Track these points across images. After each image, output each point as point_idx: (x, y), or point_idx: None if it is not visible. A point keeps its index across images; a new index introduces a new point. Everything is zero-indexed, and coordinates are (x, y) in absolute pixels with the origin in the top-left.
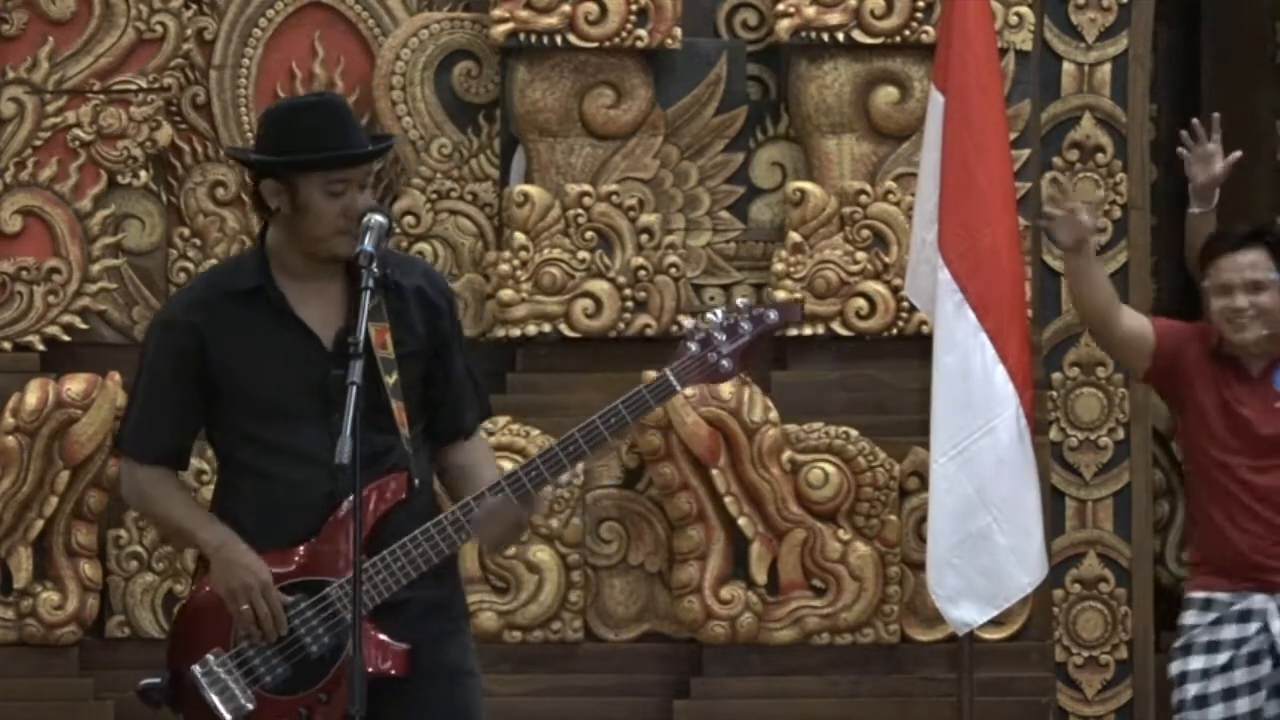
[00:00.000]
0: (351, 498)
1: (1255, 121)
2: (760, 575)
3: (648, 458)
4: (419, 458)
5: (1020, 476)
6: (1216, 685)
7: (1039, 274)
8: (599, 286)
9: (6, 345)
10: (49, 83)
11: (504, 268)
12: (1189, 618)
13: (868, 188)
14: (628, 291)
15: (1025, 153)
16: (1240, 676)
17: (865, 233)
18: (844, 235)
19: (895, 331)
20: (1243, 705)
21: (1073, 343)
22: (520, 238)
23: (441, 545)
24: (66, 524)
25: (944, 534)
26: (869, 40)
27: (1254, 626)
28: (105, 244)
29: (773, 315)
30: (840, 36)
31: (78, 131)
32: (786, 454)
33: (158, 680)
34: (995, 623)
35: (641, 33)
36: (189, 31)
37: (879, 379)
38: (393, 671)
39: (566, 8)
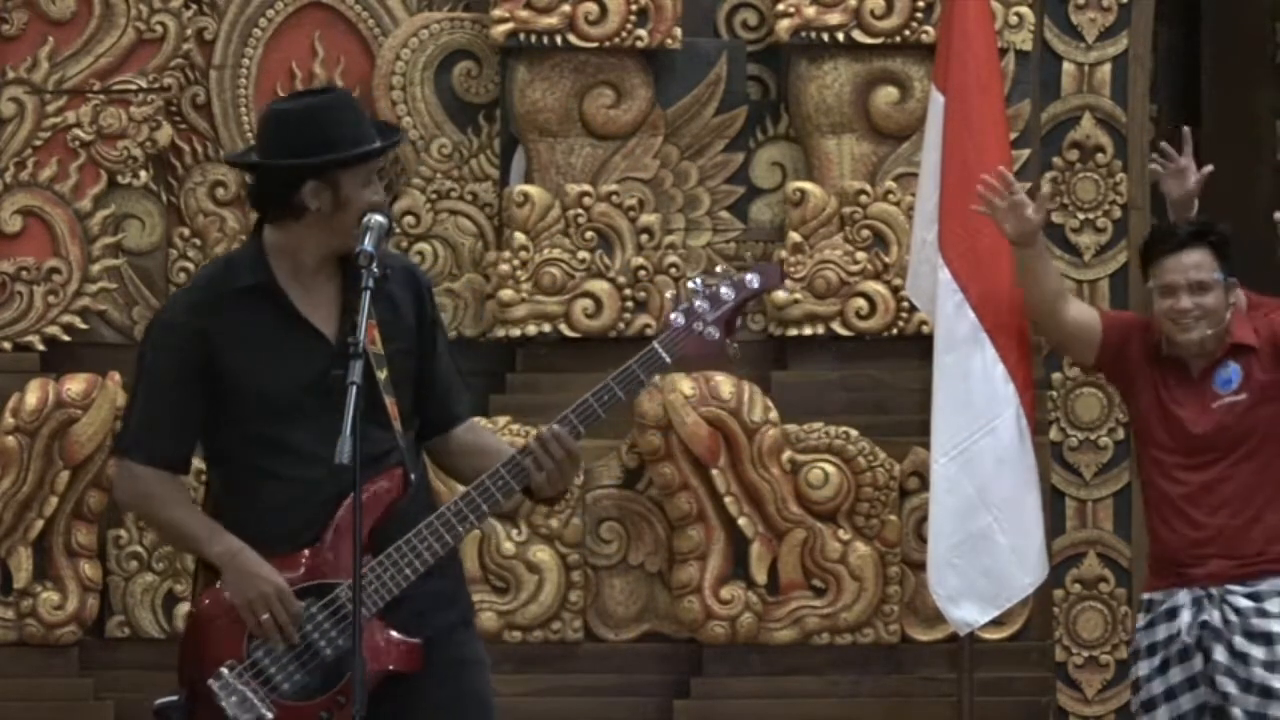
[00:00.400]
0: (351, 497)
1: (1255, 121)
2: (760, 575)
3: (648, 458)
4: (412, 454)
5: (1021, 476)
6: (1158, 688)
7: None
8: (599, 286)
9: (6, 345)
10: (49, 83)
11: (504, 268)
12: (1139, 620)
13: (868, 188)
14: (628, 291)
15: (1025, 153)
16: (1176, 675)
17: (865, 233)
18: (844, 235)
19: (895, 331)
20: (1186, 702)
21: None
22: (520, 238)
23: (446, 537)
24: (66, 524)
25: (945, 534)
26: (869, 40)
27: (1178, 624)
28: (105, 244)
29: (753, 279)
30: (840, 36)
31: (78, 131)
32: (786, 454)
33: (175, 698)
34: (995, 623)
35: (641, 33)
36: (189, 31)
37: (879, 379)
38: (406, 667)
39: (566, 8)
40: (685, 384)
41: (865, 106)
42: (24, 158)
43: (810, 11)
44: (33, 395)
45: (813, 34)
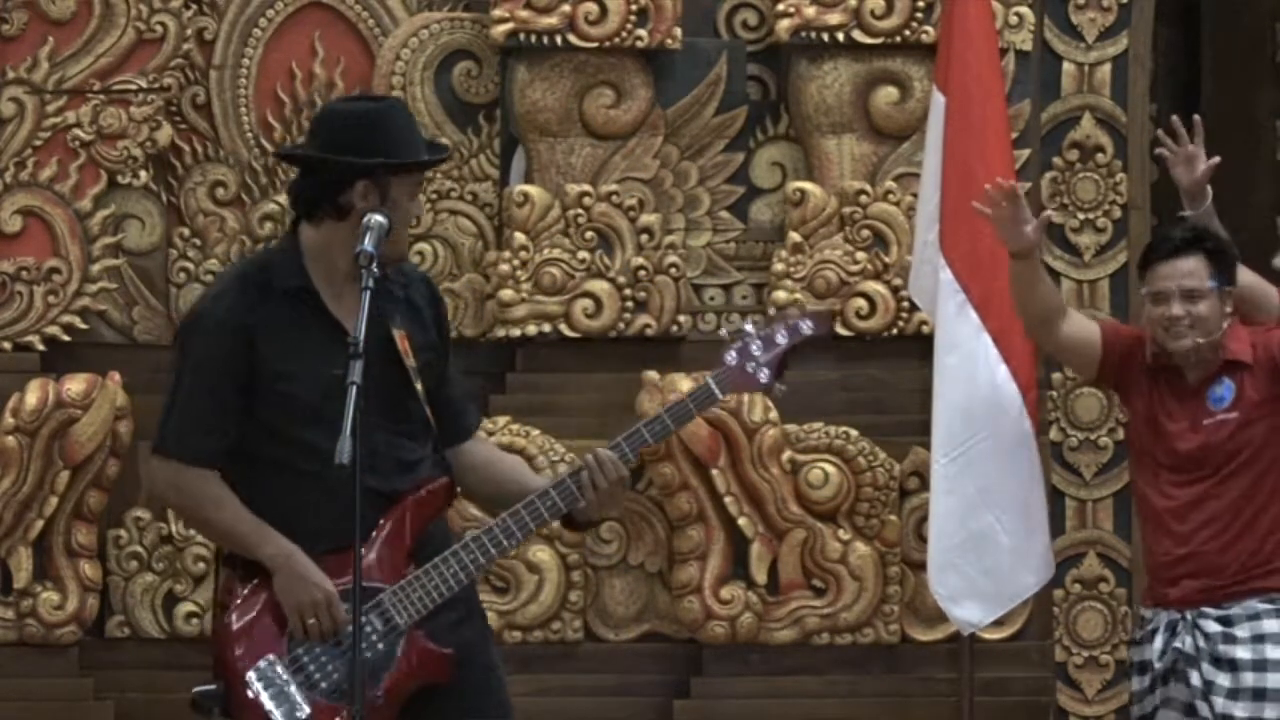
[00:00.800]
0: (400, 501)
1: (1255, 121)
2: (760, 575)
3: (648, 458)
4: (442, 465)
5: (1024, 477)
6: (1148, 706)
7: None
8: (599, 286)
9: (6, 345)
10: (49, 83)
11: (504, 268)
12: (1135, 632)
13: (868, 188)
14: (628, 291)
15: (1025, 153)
16: (1158, 698)
17: (865, 233)
18: (844, 235)
19: (895, 331)
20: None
21: None
22: (520, 238)
23: (492, 551)
24: (66, 524)
25: (946, 534)
26: (869, 40)
27: (1159, 644)
28: (105, 244)
29: (806, 326)
30: (840, 36)
31: (78, 131)
32: (786, 454)
33: (212, 688)
34: (995, 623)
35: (641, 33)
36: (189, 31)
37: (879, 379)
38: (439, 678)
39: (566, 8)
40: (685, 384)
41: (865, 106)
42: (24, 158)
43: (810, 11)
44: (33, 395)
45: (813, 34)
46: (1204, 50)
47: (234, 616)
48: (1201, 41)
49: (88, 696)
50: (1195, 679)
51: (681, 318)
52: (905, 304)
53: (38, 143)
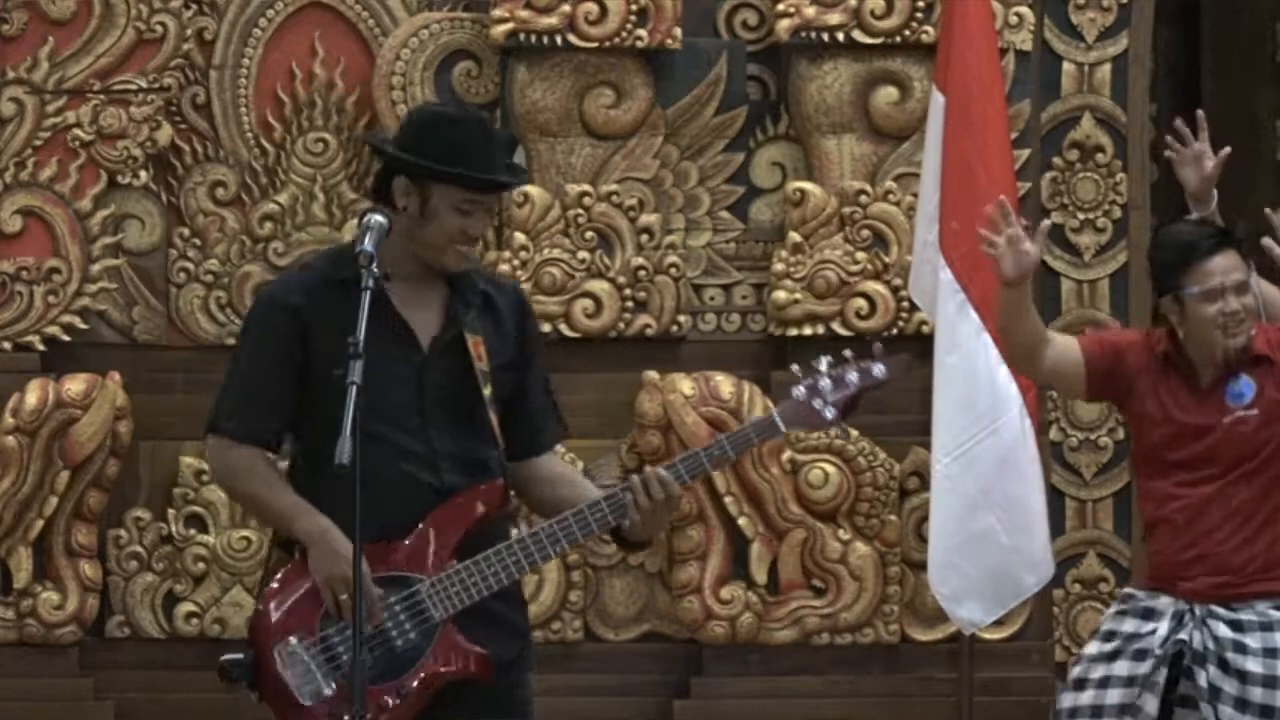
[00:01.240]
0: (455, 499)
1: (1255, 121)
2: (760, 575)
3: (648, 458)
4: (507, 471)
5: (1024, 477)
6: (1097, 671)
7: (1039, 274)
8: (599, 286)
9: (6, 345)
10: (49, 83)
11: (504, 268)
12: (1111, 609)
13: (868, 188)
14: (628, 291)
15: (1025, 153)
16: (1120, 668)
17: (865, 233)
18: (844, 235)
19: (895, 331)
20: (1112, 696)
21: None
22: (520, 238)
23: (536, 556)
24: (66, 524)
25: (946, 534)
26: (869, 40)
27: (1149, 625)
28: (105, 244)
29: (880, 370)
30: (840, 36)
31: (78, 131)
32: (786, 454)
33: (239, 656)
34: (995, 623)
35: (641, 33)
36: (189, 31)
37: None
38: (476, 674)
39: (566, 8)
40: (685, 384)
41: (865, 106)
42: (24, 158)
43: (810, 11)
44: (33, 395)
45: (813, 34)
46: (1204, 50)
47: (272, 591)
48: (1201, 41)
49: (88, 696)
50: (1203, 679)
51: (681, 318)
52: (905, 304)
53: (38, 143)
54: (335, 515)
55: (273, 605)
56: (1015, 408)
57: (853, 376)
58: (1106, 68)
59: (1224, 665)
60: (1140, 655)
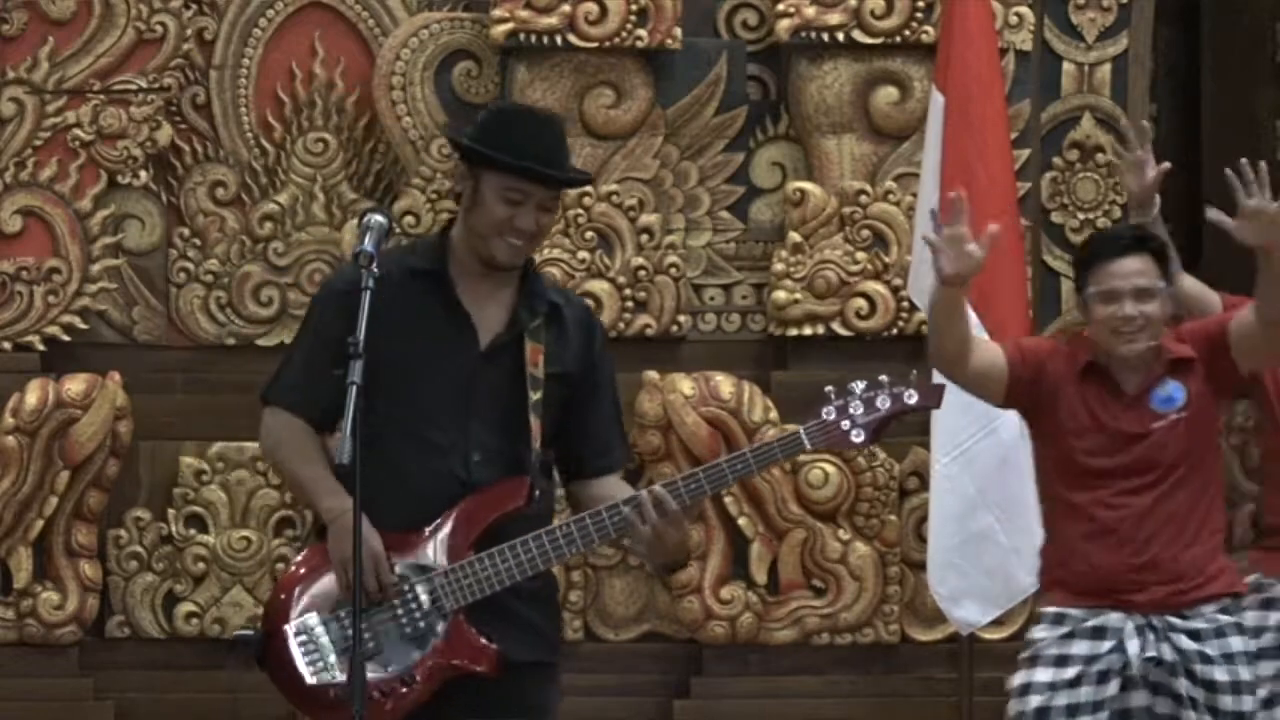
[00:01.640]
0: (477, 492)
1: (1255, 121)
2: (760, 575)
3: (648, 458)
4: (542, 476)
5: (1023, 477)
6: (1061, 700)
7: (1039, 273)
8: (599, 286)
9: (6, 345)
10: (49, 83)
11: None
12: (1039, 631)
13: (868, 188)
14: (628, 291)
15: (1025, 153)
16: (1085, 694)
17: (865, 233)
18: (844, 235)
19: (895, 331)
20: None
21: None
22: None
23: (551, 555)
24: (66, 524)
25: (945, 534)
26: (869, 40)
27: (1107, 645)
28: (105, 244)
29: (912, 396)
30: (840, 36)
31: (78, 131)
32: None
33: (250, 631)
34: (995, 623)
35: (641, 33)
36: (189, 31)
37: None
38: (479, 666)
39: (566, 8)
40: (685, 384)
41: (865, 106)
42: (24, 158)
43: (810, 11)
44: (33, 395)
45: (813, 34)
46: (1204, 50)
47: (294, 570)
48: (1201, 41)
49: (88, 696)
50: (1183, 688)
51: (681, 318)
52: (905, 304)
53: (38, 143)
54: (373, 499)
55: (291, 585)
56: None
57: (883, 400)
58: (1106, 68)
59: (1191, 676)
60: (1103, 677)
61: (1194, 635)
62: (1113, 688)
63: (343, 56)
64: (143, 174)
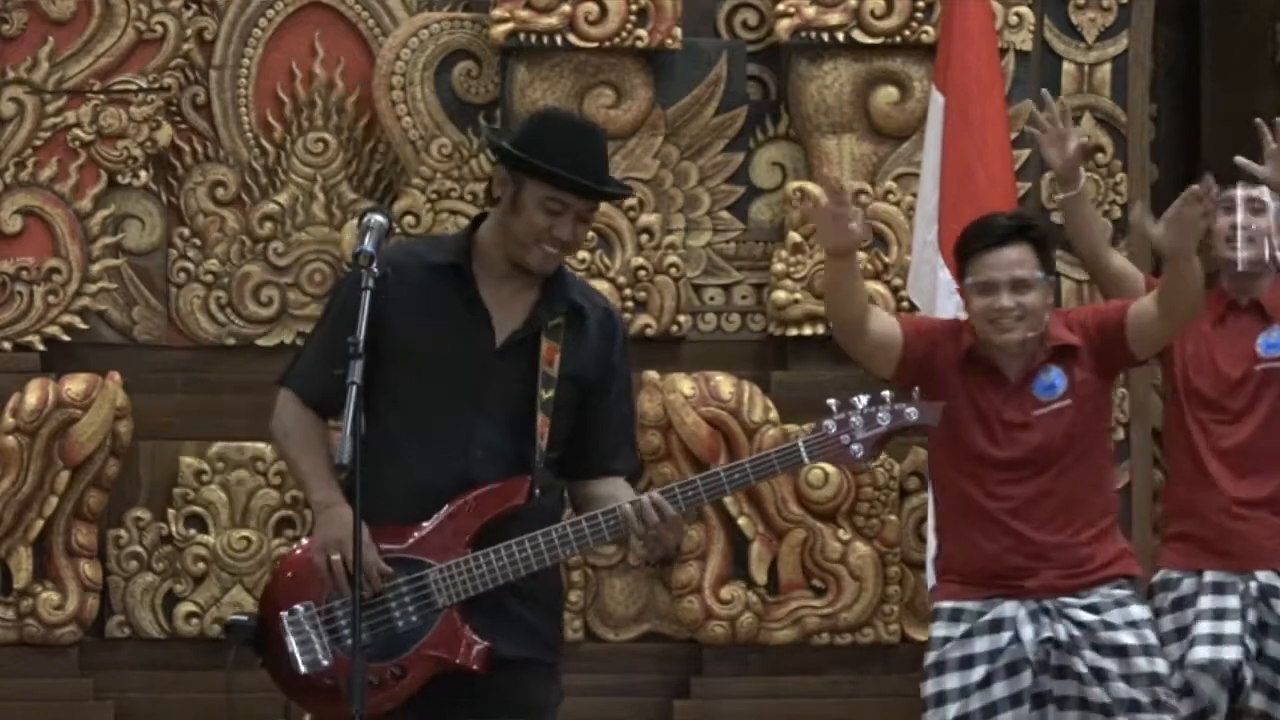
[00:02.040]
0: (479, 490)
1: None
2: (760, 575)
3: (647, 458)
4: (547, 475)
5: None
6: (976, 703)
7: None
8: (599, 286)
9: (6, 345)
10: (49, 83)
11: None
12: (938, 629)
13: (868, 188)
14: (628, 291)
15: (1025, 153)
16: (1000, 690)
17: None
18: None
19: None
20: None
21: None
22: None
23: (546, 556)
24: (66, 524)
25: None
26: (869, 40)
27: (1006, 636)
28: (105, 244)
29: (912, 413)
30: (840, 36)
31: (78, 131)
32: None
33: (244, 617)
34: None
35: (641, 33)
36: (189, 31)
37: (878, 378)
38: (470, 663)
39: (566, 8)
40: (685, 384)
41: (865, 106)
42: (24, 158)
43: (810, 11)
44: (33, 395)
45: (813, 34)
46: (1204, 50)
47: (291, 558)
48: (1201, 41)
49: (88, 696)
50: (1081, 665)
51: (681, 318)
52: (905, 304)
53: (38, 143)
54: (375, 491)
55: (286, 573)
56: None
57: (884, 416)
58: (1106, 68)
59: (1097, 647)
60: (1014, 669)
61: (1092, 609)
62: (1027, 678)
63: (343, 56)
64: (143, 174)
